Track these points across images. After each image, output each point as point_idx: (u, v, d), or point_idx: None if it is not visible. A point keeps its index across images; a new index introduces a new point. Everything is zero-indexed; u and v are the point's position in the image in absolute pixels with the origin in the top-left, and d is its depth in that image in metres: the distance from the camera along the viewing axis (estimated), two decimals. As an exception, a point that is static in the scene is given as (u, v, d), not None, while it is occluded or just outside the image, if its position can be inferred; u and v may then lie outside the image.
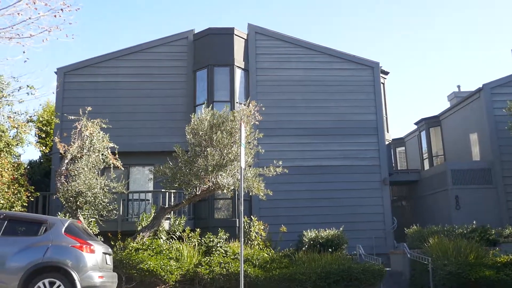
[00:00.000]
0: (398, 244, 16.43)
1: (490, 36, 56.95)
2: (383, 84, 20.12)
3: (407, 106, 58.28)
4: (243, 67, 18.42)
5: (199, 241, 13.94)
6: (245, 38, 18.85)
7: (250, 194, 13.49)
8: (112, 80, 18.36)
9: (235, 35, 18.46)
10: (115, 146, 13.20)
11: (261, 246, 14.99)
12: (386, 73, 20.63)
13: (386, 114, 19.94)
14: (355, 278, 12.39)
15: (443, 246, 13.66)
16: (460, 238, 14.28)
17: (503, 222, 17.14)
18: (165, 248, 13.04)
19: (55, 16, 8.72)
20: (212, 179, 12.42)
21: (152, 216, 13.90)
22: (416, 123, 24.23)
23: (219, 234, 14.18)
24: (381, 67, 19.50)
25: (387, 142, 19.34)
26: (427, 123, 23.31)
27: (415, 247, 14.98)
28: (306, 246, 14.50)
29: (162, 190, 14.96)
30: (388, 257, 16.03)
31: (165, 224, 14.39)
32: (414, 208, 21.67)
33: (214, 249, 13.65)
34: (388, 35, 60.57)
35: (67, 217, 12.41)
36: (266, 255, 13.68)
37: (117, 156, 13.17)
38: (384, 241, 17.57)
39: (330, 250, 13.93)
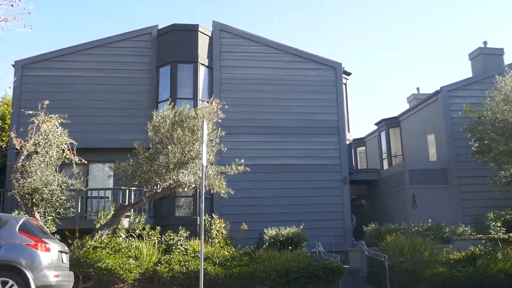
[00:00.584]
0: (357, 242, 16.70)
1: (450, 40, 58.57)
2: (345, 84, 20.41)
3: (368, 107, 59.35)
4: (207, 64, 18.33)
5: (159, 239, 13.79)
6: (210, 35, 18.75)
7: (212, 192, 13.45)
8: (73, 75, 17.94)
9: (200, 32, 18.35)
10: (74, 142, 12.89)
11: (222, 244, 14.97)
12: (349, 73, 20.93)
13: (347, 114, 20.23)
14: (314, 275, 12.53)
15: (399, 243, 13.97)
16: (416, 236, 14.63)
17: (457, 220, 17.65)
18: (124, 246, 12.84)
19: (12, 5, 8.42)
20: (173, 176, 12.31)
21: (111, 214, 13.66)
22: (376, 124, 24.68)
23: (180, 232, 14.07)
24: (343, 67, 19.76)
25: (348, 142, 19.62)
26: (387, 124, 23.77)
27: (373, 245, 15.26)
28: (267, 244, 14.56)
29: (122, 187, 14.73)
30: (347, 255, 16.28)
31: (125, 222, 14.18)
32: (373, 206, 22.08)
33: (174, 247, 13.54)
34: (351, 36, 61.48)
35: (22, 214, 12.05)
36: (227, 253, 13.66)
37: (75, 151, 12.86)
38: (344, 239, 17.83)
39: (290, 248, 14.03)
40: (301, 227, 15.18)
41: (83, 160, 13.08)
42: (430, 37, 59.80)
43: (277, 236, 14.61)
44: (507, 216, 16.02)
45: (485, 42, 21.59)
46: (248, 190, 17.46)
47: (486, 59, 21.05)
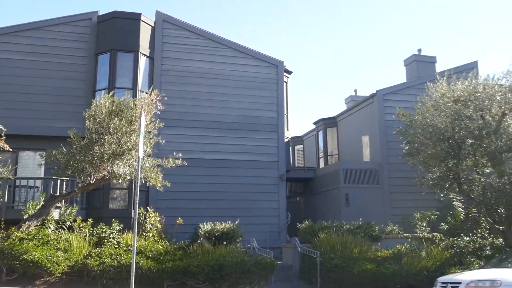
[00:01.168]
0: (291, 238, 16.96)
1: (389, 45, 60.61)
2: (286, 83, 20.64)
3: (307, 106, 60.40)
4: (148, 54, 17.96)
5: (91, 231, 13.39)
6: (152, 25, 18.39)
7: (148, 184, 13.22)
8: (4, 57, 17.03)
9: (142, 21, 17.94)
10: (2, 128, 12.25)
11: (156, 238, 14.75)
12: (290, 72, 21.18)
13: (287, 113, 20.46)
14: (247, 270, 12.61)
15: (331, 241, 14.34)
16: (347, 233, 15.07)
17: (386, 219, 18.31)
18: (53, 238, 12.37)
19: None
20: (108, 167, 11.98)
21: (40, 205, 13.11)
22: (314, 123, 25.15)
23: (113, 224, 13.73)
24: (285, 66, 19.98)
25: (286, 140, 19.87)
26: (325, 124, 24.28)
27: (306, 241, 15.55)
28: (202, 238, 14.50)
29: (54, 177, 14.17)
30: (281, 251, 16.50)
31: (55, 213, 13.65)
32: (308, 204, 22.49)
33: (106, 240, 13.19)
34: (294, 36, 62.25)
35: None
36: (161, 247, 13.48)
37: (3, 138, 12.22)
38: (278, 235, 18.07)
39: (225, 243, 14.04)
40: (237, 222, 15.24)
41: (8, 147, 12.44)
42: (370, 41, 61.65)
43: (212, 231, 14.58)
44: (432, 216, 16.83)
45: (419, 50, 22.52)
46: (185, 184, 17.31)
47: (420, 66, 21.96)
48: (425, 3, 57.77)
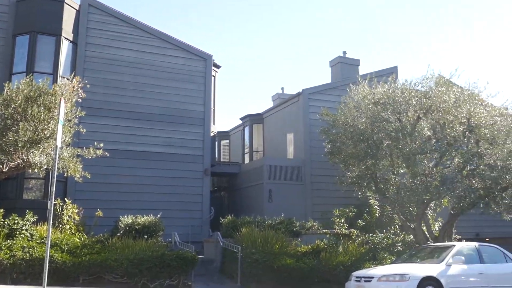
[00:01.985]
0: (213, 233, 17.00)
1: (316, 45, 62.15)
2: (214, 77, 20.60)
3: (235, 101, 60.65)
4: (71, 39, 17.22)
5: (2, 223, 12.64)
6: (77, 9, 17.65)
7: (66, 175, 12.70)
8: None
9: (66, 3, 17.16)
10: None
11: (73, 231, 14.21)
12: (218, 66, 21.15)
13: (214, 107, 20.44)
14: (168, 265, 12.48)
15: (253, 236, 14.51)
16: (269, 229, 15.31)
17: (307, 215, 18.82)
18: (-42, 229, 11.55)
19: None
20: (23, 156, 11.36)
21: None
22: (241, 119, 25.30)
23: (27, 216, 13.04)
24: (213, 60, 19.93)
25: (212, 134, 19.85)
26: (251, 120, 24.49)
27: (228, 236, 15.65)
28: (122, 232, 14.18)
29: (-39, 164, 13.19)
30: (203, 245, 16.49)
31: (-39, 203, 12.75)
32: (232, 199, 22.59)
33: (18, 232, 12.51)
34: (224, 31, 62.21)
35: None
36: (78, 240, 13.01)
37: None
38: (201, 229, 18.05)
39: (146, 236, 13.83)
40: (159, 216, 15.04)
41: None
42: (298, 41, 62.87)
43: (133, 224, 14.30)
44: (350, 213, 17.52)
45: (344, 52, 23.29)
46: (107, 176, 16.85)
47: (344, 68, 22.72)
48: (351, 8, 59.87)
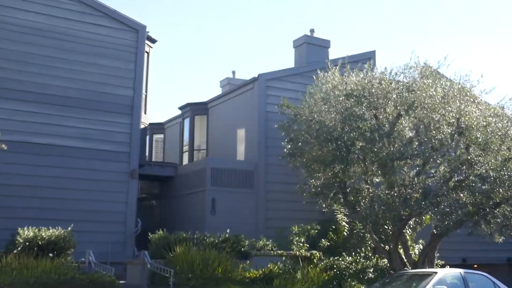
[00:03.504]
0: (140, 252, 16.85)
1: (278, 21, 62.53)
2: (148, 53, 20.44)
3: (173, 86, 60.23)
4: (-41, -4, 16.68)
5: None
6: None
7: None
8: None
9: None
10: None
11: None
12: (154, 41, 20.99)
13: (146, 92, 20.28)
14: (79, 291, 12.33)
15: (190, 256, 14.52)
16: (210, 248, 15.35)
17: (259, 232, 18.93)
18: None
19: None
20: None
21: None
22: (180, 108, 25.18)
23: None
24: (148, 32, 19.78)
25: (143, 126, 19.72)
26: (193, 110, 24.41)
27: (159, 256, 15.57)
28: (20, 248, 13.93)
29: None
30: (126, 267, 16.35)
31: None
32: (166, 209, 22.45)
33: None
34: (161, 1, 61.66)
35: None
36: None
37: None
38: (123, 247, 17.92)
39: (52, 255, 13.66)
40: (69, 229, 14.84)
41: None
42: (255, 16, 63.14)
43: (35, 238, 14.10)
44: (312, 231, 17.77)
45: (312, 31, 23.59)
46: (1, 175, 16.42)
47: (311, 49, 23.01)
48: (324, -25, 60.66)
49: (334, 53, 25.19)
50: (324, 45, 23.41)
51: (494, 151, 14.68)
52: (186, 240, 15.78)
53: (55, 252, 13.83)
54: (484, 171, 14.67)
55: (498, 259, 22.70)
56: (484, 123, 14.95)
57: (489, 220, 14.94)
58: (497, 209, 14.98)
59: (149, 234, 16.94)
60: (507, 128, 15.12)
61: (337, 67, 17.52)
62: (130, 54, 19.08)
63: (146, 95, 20.41)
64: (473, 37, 57.79)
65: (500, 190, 14.43)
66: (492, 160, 14.60)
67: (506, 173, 14.44)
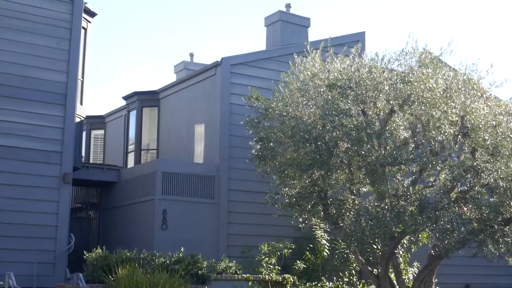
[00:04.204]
0: (73, 274, 16.68)
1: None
2: (85, 30, 20.21)
3: (116, 70, 59.71)
4: None
5: None
6: None
7: None
8: None
9: None
10: None
11: None
12: (93, 14, 20.75)
13: (82, 77, 20.06)
14: (-6, 324, 12.11)
15: (134, 281, 14.44)
16: (160, 270, 15.28)
17: (220, 251, 18.87)
18: None
19: None
20: None
21: None
22: (125, 98, 24.99)
23: None
24: (85, 3, 19.59)
25: (78, 120, 19.51)
26: (141, 101, 24.22)
27: (97, 280, 15.51)
28: None
29: None
30: (54, 294, 16.21)
31: None
32: (106, 222, 22.26)
33: None
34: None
35: None
36: None
37: None
38: (53, 268, 17.71)
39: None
40: (-17, 246, 14.60)
41: None
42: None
43: None
44: (285, 250, 17.79)
45: (288, 6, 23.60)
46: None
47: (286, 29, 23.02)
48: None
49: (314, 34, 25.25)
50: (302, 23, 23.46)
51: (505, 156, 14.84)
52: (130, 261, 15.70)
53: (-35, 275, 13.58)
54: (492, 180, 14.82)
55: (507, 286, 23.03)
56: (494, 122, 15.12)
57: (498, 240, 15.08)
58: (508, 226, 15.15)
59: (85, 253, 16.77)
60: (521, 129, 15.29)
61: (318, 51, 17.54)
62: (63, 30, 18.81)
63: (82, 82, 20.18)
64: (483, 20, 58.58)
65: (511, 203, 14.60)
66: (503, 168, 14.75)
67: (518, 183, 14.63)
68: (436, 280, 16.83)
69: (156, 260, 16.07)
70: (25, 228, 17.48)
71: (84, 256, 16.70)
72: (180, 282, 14.82)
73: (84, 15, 19.79)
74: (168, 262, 16.10)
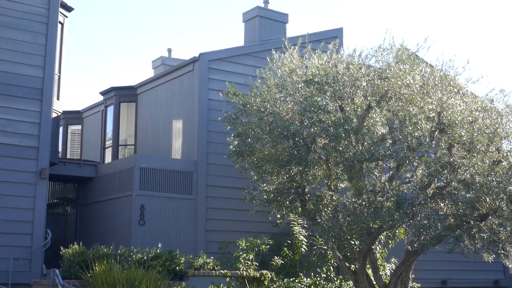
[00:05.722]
0: (49, 270, 16.59)
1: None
2: (62, 24, 20.14)
3: (93, 65, 59.42)
4: None
5: None
6: None
7: None
8: None
9: None
10: None
11: None
12: (70, 9, 20.66)
13: (59, 72, 19.98)
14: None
15: (112, 277, 14.36)
16: (137, 266, 15.24)
17: (198, 247, 18.90)
18: None
19: None
20: None
21: None
22: (103, 93, 24.93)
23: None
24: (62, -3, 19.50)
25: (55, 115, 19.44)
26: (118, 96, 24.17)
27: (73, 276, 15.46)
28: None
29: None
30: (31, 290, 16.12)
31: None
32: (83, 218, 22.21)
33: None
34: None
35: None
36: None
37: None
38: (29, 264, 17.67)
39: None
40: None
41: None
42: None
43: None
44: (263, 246, 17.81)
45: (266, 1, 23.61)
46: None
47: (264, 24, 23.05)
48: None
49: (292, 30, 25.29)
50: (280, 19, 23.51)
51: (481, 152, 14.94)
52: (107, 257, 15.68)
53: None
54: (469, 176, 14.89)
55: (484, 281, 23.26)
56: (470, 118, 15.21)
57: (474, 235, 15.17)
58: (483, 222, 15.25)
59: (62, 248, 16.72)
60: (497, 125, 15.35)
61: (296, 47, 17.57)
62: (39, 24, 18.72)
63: (59, 76, 20.11)
64: (459, 16, 58.99)
65: (487, 199, 14.67)
66: (479, 163, 14.85)
67: (494, 178, 14.64)
68: (413, 275, 16.91)
69: (134, 256, 16.05)
70: (1, 223, 17.40)
71: (61, 252, 16.63)
72: (157, 278, 14.77)
73: (60, 9, 19.68)
74: (145, 258, 16.08)
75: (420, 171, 15.53)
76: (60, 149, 23.79)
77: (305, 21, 56.88)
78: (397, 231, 16.31)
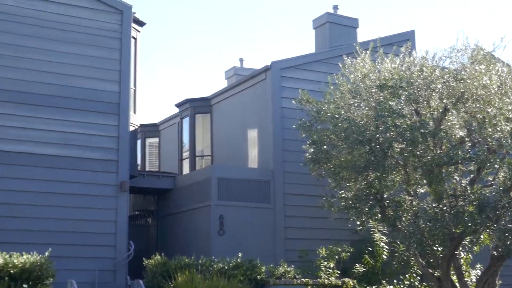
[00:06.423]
0: (133, 281, 16.90)
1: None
2: (135, 39, 20.39)
3: (168, 78, 60.08)
4: None
5: None
6: None
7: None
8: None
9: None
10: None
11: None
12: (142, 24, 20.95)
13: (135, 86, 20.25)
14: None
15: (194, 286, 14.57)
16: (219, 276, 15.38)
17: (278, 256, 18.85)
18: None
19: None
20: None
21: None
22: (178, 105, 25.17)
23: None
24: (134, 13, 19.78)
25: (132, 128, 19.71)
26: (193, 108, 24.34)
27: (156, 286, 15.64)
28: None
29: None
30: (116, 301, 16.42)
31: None
32: (163, 229, 22.41)
33: None
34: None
35: None
36: None
37: None
38: (114, 275, 17.90)
39: (26, 286, 13.64)
40: (47, 254, 14.86)
41: None
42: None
43: (5, 266, 14.09)
44: (343, 254, 17.68)
45: (335, 7, 23.44)
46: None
47: (335, 30, 22.88)
48: None
49: (363, 34, 25.00)
50: (350, 24, 23.32)
51: None
52: (189, 267, 15.84)
53: (30, 283, 13.81)
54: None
55: None
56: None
57: None
58: None
59: (144, 259, 16.95)
60: None
61: (368, 51, 17.43)
62: (113, 40, 19.05)
63: (135, 90, 20.37)
64: (535, 10, 57.21)
65: None
66: None
67: None
68: (500, 281, 16.47)
69: (214, 266, 16.15)
70: (86, 236, 17.72)
71: (144, 263, 16.85)
72: (239, 287, 14.84)
73: (133, 24, 19.99)
74: (226, 267, 16.16)
75: (502, 173, 15.22)
76: (139, 161, 24.13)
77: (375, 25, 56.21)
78: (481, 236, 15.93)
